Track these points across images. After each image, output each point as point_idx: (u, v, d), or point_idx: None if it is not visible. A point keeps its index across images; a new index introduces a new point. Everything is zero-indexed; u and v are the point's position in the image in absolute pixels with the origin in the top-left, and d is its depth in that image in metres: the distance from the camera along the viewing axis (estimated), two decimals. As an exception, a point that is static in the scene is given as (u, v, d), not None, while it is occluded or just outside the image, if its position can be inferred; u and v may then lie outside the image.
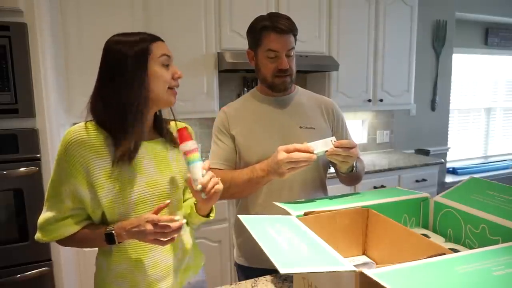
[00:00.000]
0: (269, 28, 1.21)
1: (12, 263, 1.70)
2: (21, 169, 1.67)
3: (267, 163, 1.14)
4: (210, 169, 1.04)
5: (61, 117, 1.94)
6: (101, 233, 0.93)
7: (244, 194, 1.30)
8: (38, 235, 0.97)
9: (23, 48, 1.63)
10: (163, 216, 0.91)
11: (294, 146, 1.06)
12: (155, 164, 1.00)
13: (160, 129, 1.06)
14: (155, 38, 0.98)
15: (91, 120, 0.96)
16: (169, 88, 0.99)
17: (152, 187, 0.98)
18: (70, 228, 0.96)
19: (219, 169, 1.30)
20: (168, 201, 0.96)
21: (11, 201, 1.68)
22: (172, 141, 1.06)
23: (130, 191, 0.94)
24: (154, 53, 0.95)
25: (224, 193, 1.26)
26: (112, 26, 2.05)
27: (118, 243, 0.94)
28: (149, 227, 0.89)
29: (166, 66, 0.98)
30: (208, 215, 1.09)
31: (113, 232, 0.92)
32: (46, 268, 1.75)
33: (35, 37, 1.65)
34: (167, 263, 1.02)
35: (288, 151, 1.06)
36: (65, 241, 0.99)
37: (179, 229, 0.91)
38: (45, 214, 0.95)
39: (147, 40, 0.95)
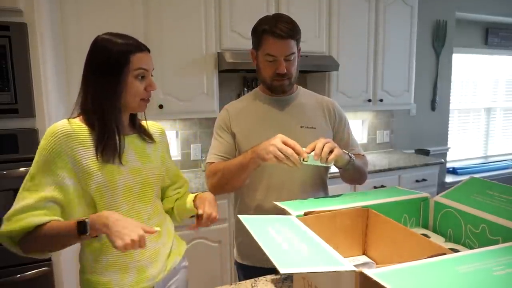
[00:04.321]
0: (268, 32, 1.21)
1: (12, 263, 1.70)
2: (21, 169, 1.67)
3: (258, 146, 1.12)
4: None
5: (61, 117, 1.93)
6: (73, 223, 0.88)
7: (234, 182, 1.24)
8: (3, 229, 0.91)
9: (23, 48, 1.63)
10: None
11: (294, 143, 1.07)
12: (136, 155, 1.06)
13: (135, 125, 1.11)
14: (139, 49, 1.00)
15: (73, 117, 1.01)
16: (141, 99, 1.03)
17: (135, 174, 1.03)
18: (39, 217, 0.90)
19: (214, 162, 1.31)
20: (158, 228, 0.92)
21: (11, 201, 1.66)
22: (148, 136, 1.12)
23: (116, 178, 0.98)
24: (132, 65, 0.98)
25: (218, 182, 1.26)
26: (112, 26, 2.04)
27: (88, 234, 0.87)
28: (140, 232, 0.85)
29: (141, 78, 1.01)
30: None
31: (86, 220, 0.87)
32: (46, 268, 1.75)
33: (35, 37, 1.65)
34: (154, 248, 1.07)
35: (285, 143, 1.06)
36: (29, 239, 0.92)
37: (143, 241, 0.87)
38: (15, 207, 0.92)
39: (130, 49, 0.98)
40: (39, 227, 0.91)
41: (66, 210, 0.96)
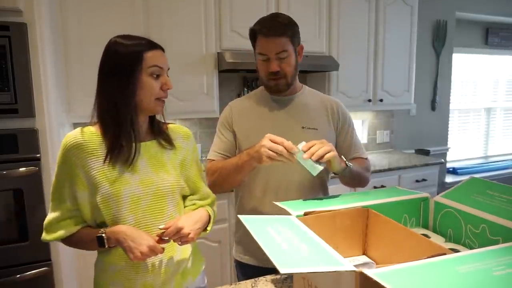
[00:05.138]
0: (258, 31, 1.22)
1: (12, 263, 1.70)
2: (21, 169, 1.67)
3: (252, 148, 1.13)
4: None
5: (61, 117, 1.93)
6: (94, 236, 0.95)
7: (231, 181, 1.26)
8: (43, 235, 1.01)
9: (23, 48, 1.63)
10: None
11: (282, 140, 1.06)
12: (150, 164, 1.01)
13: (155, 131, 1.07)
14: (152, 47, 0.98)
15: (88, 125, 1.00)
16: (156, 98, 0.99)
17: (146, 185, 0.99)
18: (70, 228, 0.99)
19: (214, 160, 1.32)
20: (162, 226, 0.97)
21: (11, 201, 1.68)
22: (167, 142, 1.06)
23: (123, 189, 0.96)
24: (145, 63, 0.95)
25: (216, 180, 1.26)
26: (112, 26, 2.06)
27: (109, 247, 0.95)
28: (149, 243, 0.91)
29: (156, 76, 0.98)
30: (205, 229, 1.08)
31: (103, 235, 0.94)
32: (46, 268, 1.75)
33: (35, 37, 1.65)
34: (164, 266, 1.02)
35: (273, 141, 1.06)
36: (68, 242, 1.02)
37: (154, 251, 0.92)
38: (49, 215, 1.00)
39: (142, 47, 0.95)
40: (71, 234, 1.00)
41: (89, 216, 1.00)
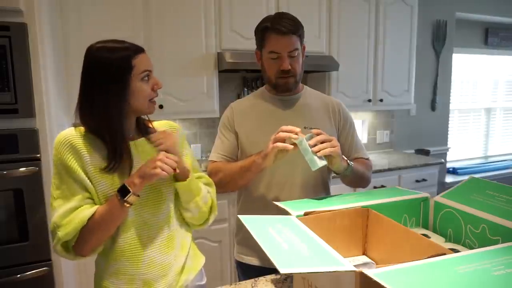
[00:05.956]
0: (270, 29, 1.22)
1: (12, 263, 1.70)
2: (21, 169, 1.67)
3: (259, 152, 1.16)
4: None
5: (61, 117, 1.93)
6: (114, 198, 0.93)
7: (236, 183, 1.27)
8: (59, 235, 0.92)
9: (23, 48, 1.63)
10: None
11: (292, 128, 1.09)
12: (143, 160, 1.02)
13: (142, 129, 1.08)
14: (138, 51, 0.98)
15: (80, 126, 1.00)
16: (149, 100, 1.01)
17: None
18: (89, 210, 0.94)
19: (216, 161, 1.32)
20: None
21: (11, 201, 1.68)
22: None
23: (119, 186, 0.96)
24: (137, 69, 0.96)
25: (219, 182, 1.26)
26: (112, 26, 2.06)
27: (130, 195, 0.92)
28: (158, 158, 0.93)
29: (147, 79, 0.99)
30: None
31: (124, 185, 0.93)
32: (46, 268, 1.75)
33: (35, 37, 1.65)
34: (164, 262, 1.03)
35: (282, 130, 1.10)
36: (83, 235, 0.94)
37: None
38: (59, 212, 0.94)
39: (130, 53, 0.95)
40: (89, 219, 0.93)
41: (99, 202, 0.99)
